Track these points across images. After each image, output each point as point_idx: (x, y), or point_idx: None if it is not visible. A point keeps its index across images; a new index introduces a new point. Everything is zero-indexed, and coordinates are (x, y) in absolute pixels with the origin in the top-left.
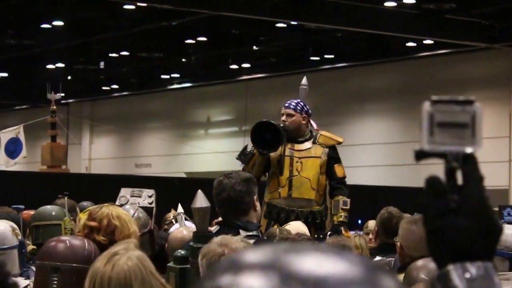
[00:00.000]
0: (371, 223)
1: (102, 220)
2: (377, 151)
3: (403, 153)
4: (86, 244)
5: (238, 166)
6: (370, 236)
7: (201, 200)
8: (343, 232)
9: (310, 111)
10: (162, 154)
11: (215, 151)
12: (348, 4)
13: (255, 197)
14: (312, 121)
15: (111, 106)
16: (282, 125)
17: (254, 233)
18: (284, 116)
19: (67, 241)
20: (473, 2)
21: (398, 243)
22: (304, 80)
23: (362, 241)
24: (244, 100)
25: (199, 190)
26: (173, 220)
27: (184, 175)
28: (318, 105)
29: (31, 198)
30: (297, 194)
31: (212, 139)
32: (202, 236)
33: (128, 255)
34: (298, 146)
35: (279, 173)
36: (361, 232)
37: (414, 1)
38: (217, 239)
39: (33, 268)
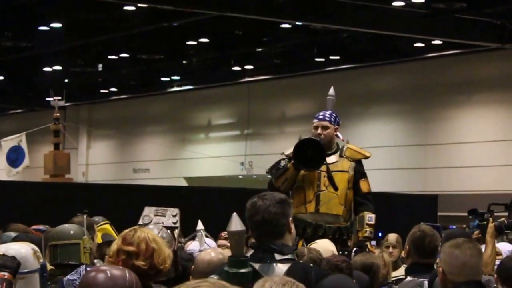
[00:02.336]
0: (392, 237)
1: (139, 244)
2: (383, 155)
3: (409, 156)
4: (127, 274)
5: (239, 170)
6: (391, 249)
7: (236, 224)
8: (369, 247)
9: (340, 121)
10: (161, 158)
11: (216, 156)
12: (354, 3)
13: (290, 219)
14: (338, 132)
15: (109, 109)
16: (318, 139)
17: (290, 256)
18: (319, 129)
19: (108, 271)
20: (484, 1)
21: (440, 268)
22: (332, 91)
23: (387, 257)
24: (246, 103)
25: (234, 213)
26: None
27: (183, 180)
28: (323, 107)
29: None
30: (325, 210)
31: (213, 143)
32: (237, 261)
33: None
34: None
35: (306, 187)
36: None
37: (423, 1)
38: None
39: None
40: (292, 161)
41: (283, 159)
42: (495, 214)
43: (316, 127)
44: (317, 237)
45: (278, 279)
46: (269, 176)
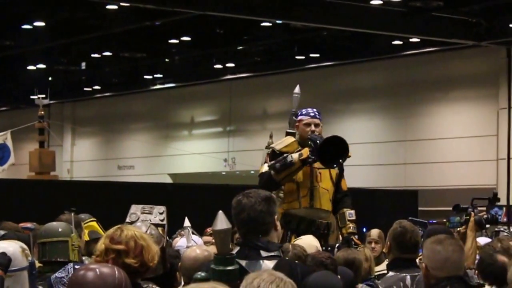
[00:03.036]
0: (374, 232)
1: (128, 242)
2: (364, 151)
3: (390, 152)
4: (117, 272)
5: (222, 167)
6: (373, 245)
7: (221, 222)
8: (355, 240)
9: None
10: (145, 155)
11: (199, 152)
12: (334, 2)
13: (275, 216)
14: None
15: (93, 107)
16: (314, 136)
17: (276, 253)
18: (313, 126)
19: (97, 269)
20: (460, 0)
21: (423, 264)
22: (297, 89)
23: (369, 252)
24: (228, 100)
25: (220, 211)
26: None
27: (167, 177)
28: (303, 104)
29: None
30: (318, 205)
31: (196, 140)
32: (224, 259)
33: None
34: None
35: (300, 183)
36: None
37: None
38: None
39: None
40: (302, 157)
41: (290, 155)
42: (479, 208)
43: (309, 124)
44: (310, 232)
45: (266, 276)
46: (266, 170)
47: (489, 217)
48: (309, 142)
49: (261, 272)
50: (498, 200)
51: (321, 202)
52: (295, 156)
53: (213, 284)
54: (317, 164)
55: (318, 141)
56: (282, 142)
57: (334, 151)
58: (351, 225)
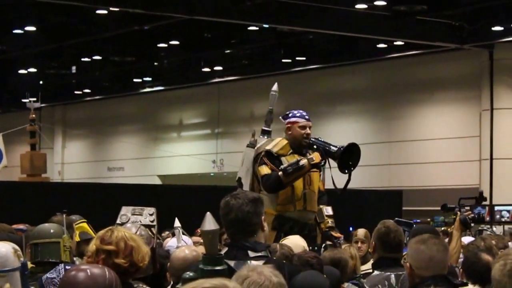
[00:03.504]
0: (360, 232)
1: (118, 243)
2: None
3: (375, 153)
4: (107, 272)
5: (211, 168)
6: (359, 244)
7: (209, 223)
8: (333, 233)
9: None
10: (135, 157)
11: (188, 154)
12: (320, 6)
13: (262, 217)
14: None
15: (83, 110)
16: (319, 141)
17: (263, 253)
18: (307, 128)
19: (88, 270)
20: (443, 4)
21: (407, 263)
22: (275, 87)
23: (354, 251)
24: (216, 103)
25: (208, 213)
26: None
27: (157, 178)
28: (290, 106)
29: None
30: (310, 208)
31: (185, 142)
32: (212, 259)
33: None
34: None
35: (295, 186)
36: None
37: (385, 3)
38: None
39: None
40: (313, 162)
41: (302, 159)
42: (466, 207)
43: (304, 127)
44: (303, 235)
45: (256, 277)
46: (268, 171)
47: (476, 217)
48: (314, 146)
49: (250, 270)
50: (485, 199)
51: (311, 204)
52: (305, 160)
53: (221, 280)
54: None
55: (335, 147)
56: (276, 144)
57: (347, 158)
58: (329, 220)
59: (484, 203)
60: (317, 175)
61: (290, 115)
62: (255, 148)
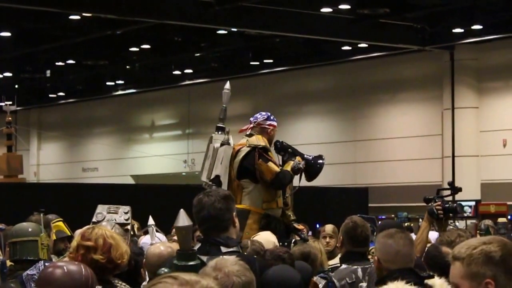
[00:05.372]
0: (328, 227)
1: (98, 240)
2: (316, 151)
3: (341, 152)
4: (83, 269)
5: (182, 168)
6: (328, 239)
7: (183, 219)
8: (296, 226)
9: None
10: (109, 158)
11: (160, 155)
12: (286, 10)
13: (234, 213)
14: None
15: (58, 112)
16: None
17: (235, 249)
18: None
19: (64, 267)
20: (405, 7)
21: (375, 257)
22: (227, 85)
23: (320, 246)
24: (187, 105)
25: (181, 210)
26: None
27: (130, 178)
28: (258, 107)
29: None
30: (281, 204)
31: (157, 143)
32: (186, 254)
33: None
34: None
35: None
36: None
37: (350, 7)
38: (212, 263)
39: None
40: (303, 166)
41: (300, 162)
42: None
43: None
44: (287, 235)
45: (223, 278)
46: (276, 168)
47: (448, 207)
48: (289, 150)
49: (215, 270)
50: (460, 189)
51: (288, 200)
52: (303, 162)
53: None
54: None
55: (311, 157)
56: (263, 142)
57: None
58: (290, 213)
59: (447, 199)
60: None
61: (272, 117)
62: (231, 145)
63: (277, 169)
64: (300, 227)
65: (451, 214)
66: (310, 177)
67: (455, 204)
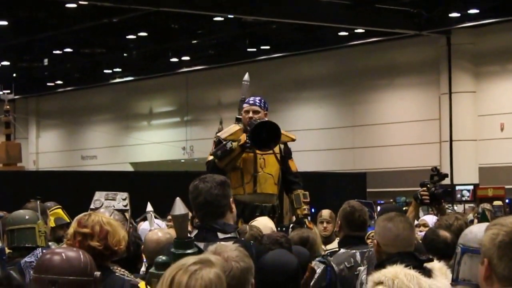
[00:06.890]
0: (325, 212)
1: (94, 227)
2: (315, 136)
3: (339, 137)
4: (81, 255)
5: (181, 155)
6: (325, 224)
7: (179, 207)
8: (307, 223)
9: (268, 107)
10: (107, 145)
11: (158, 142)
12: None
13: (230, 199)
14: (267, 118)
15: (56, 101)
16: (252, 121)
17: (232, 234)
18: (251, 112)
19: (63, 254)
20: None
21: (375, 241)
22: (246, 76)
23: (316, 231)
24: (184, 92)
25: (178, 198)
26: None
27: (129, 165)
28: (256, 94)
29: None
30: (261, 190)
31: (155, 130)
32: (183, 243)
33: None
34: None
35: (244, 170)
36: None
37: None
38: (211, 248)
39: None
40: (240, 143)
41: (229, 142)
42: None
43: (247, 111)
44: (255, 217)
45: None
46: (211, 158)
47: (434, 193)
48: (248, 128)
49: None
50: (446, 175)
51: (264, 186)
52: (235, 142)
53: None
54: (259, 150)
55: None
56: (227, 130)
57: (267, 136)
58: (306, 207)
59: (444, 182)
60: (272, 157)
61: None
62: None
63: (208, 159)
64: (311, 226)
65: (441, 200)
66: (253, 140)
67: (441, 190)
